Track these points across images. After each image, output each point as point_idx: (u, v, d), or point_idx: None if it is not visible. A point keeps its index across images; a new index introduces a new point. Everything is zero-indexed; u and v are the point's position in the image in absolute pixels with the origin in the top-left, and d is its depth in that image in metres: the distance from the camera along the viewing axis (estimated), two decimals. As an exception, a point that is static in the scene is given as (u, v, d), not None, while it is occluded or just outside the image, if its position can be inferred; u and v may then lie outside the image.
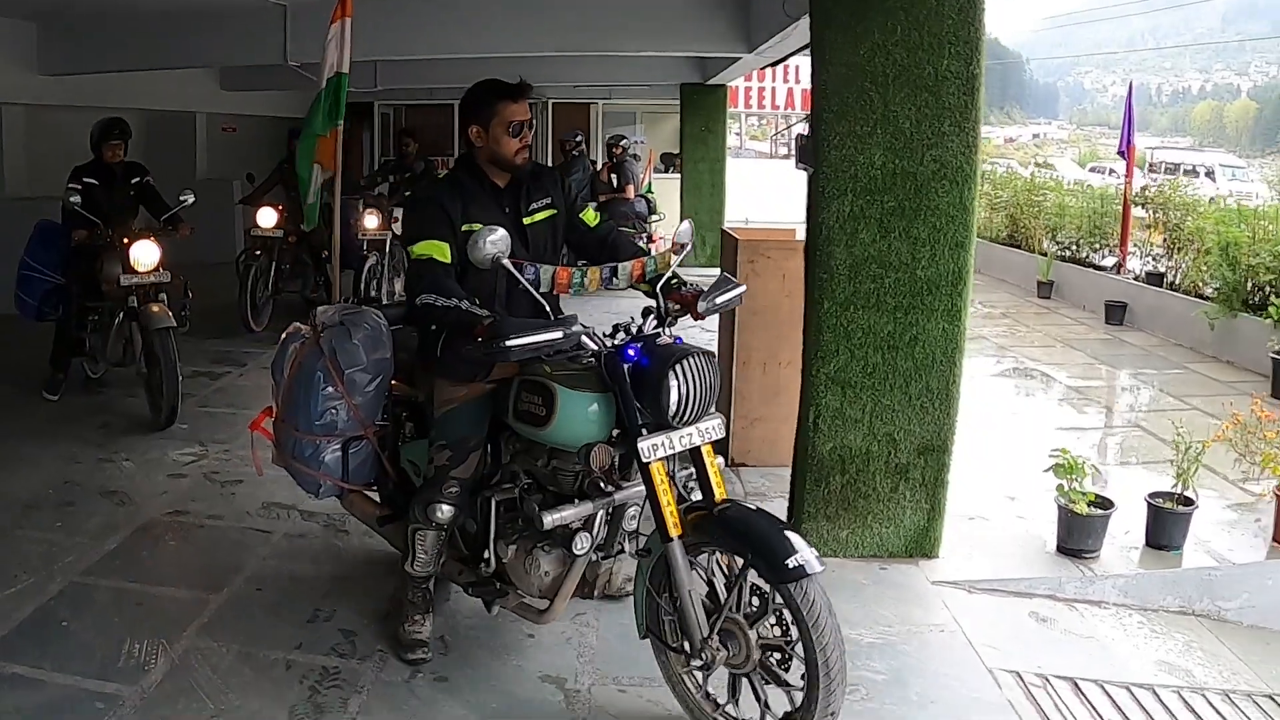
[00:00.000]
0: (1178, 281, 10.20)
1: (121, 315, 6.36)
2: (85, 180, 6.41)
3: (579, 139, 11.68)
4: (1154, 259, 10.88)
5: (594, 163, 12.56)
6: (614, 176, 11.54)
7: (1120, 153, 11.61)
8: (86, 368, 6.87)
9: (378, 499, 4.01)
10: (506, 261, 3.05)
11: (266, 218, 8.74)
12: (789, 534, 2.85)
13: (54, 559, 4.32)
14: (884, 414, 4.37)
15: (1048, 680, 3.71)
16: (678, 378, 2.93)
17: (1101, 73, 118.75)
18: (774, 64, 12.17)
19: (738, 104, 21.69)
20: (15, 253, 6.65)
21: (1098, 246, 11.93)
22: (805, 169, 4.34)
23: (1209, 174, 32.14)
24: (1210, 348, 9.06)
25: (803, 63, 22.23)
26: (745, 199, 20.44)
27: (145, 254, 6.24)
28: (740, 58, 9.75)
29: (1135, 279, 10.82)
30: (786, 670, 2.93)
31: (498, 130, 3.32)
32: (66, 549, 4.43)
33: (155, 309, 6.14)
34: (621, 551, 3.33)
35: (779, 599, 2.87)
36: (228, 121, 13.80)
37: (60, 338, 6.72)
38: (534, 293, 3.15)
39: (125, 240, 6.24)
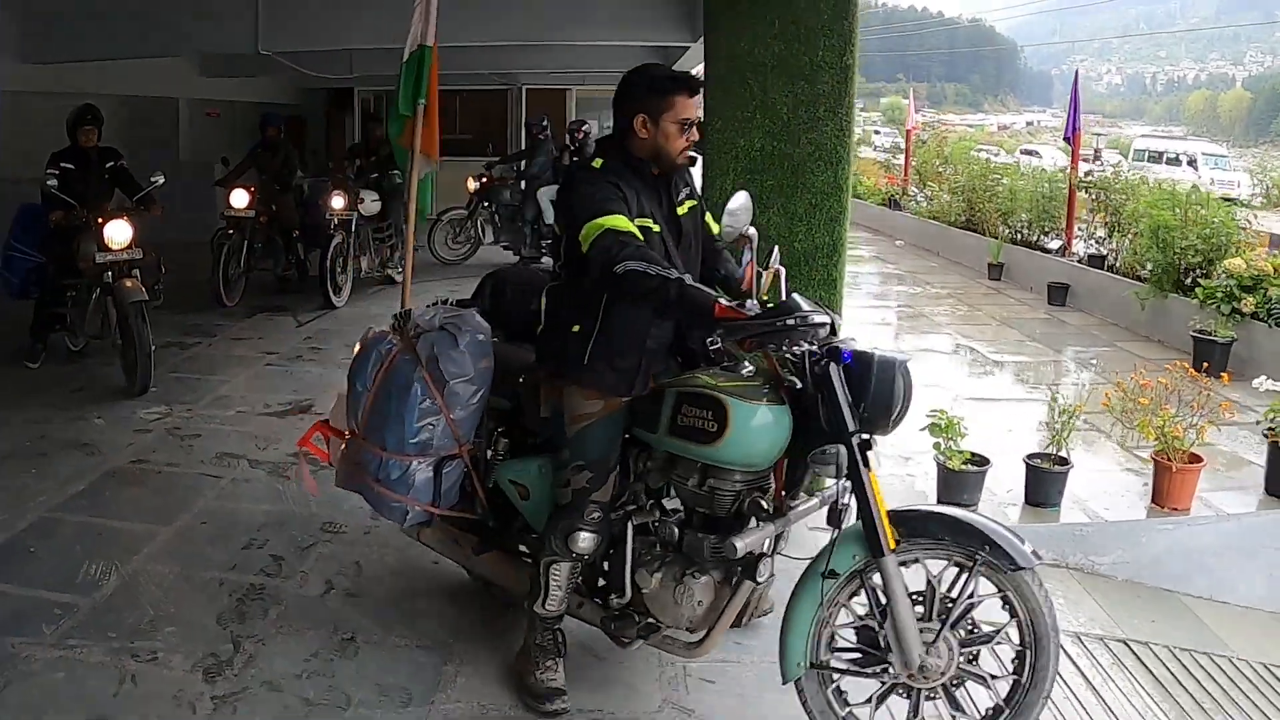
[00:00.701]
0: (1117, 264, 10.64)
1: (98, 291, 6.73)
2: (63, 165, 6.78)
3: (545, 124, 12.15)
4: (1096, 242, 11.33)
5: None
6: (574, 159, 11.99)
7: (1066, 138, 12.04)
8: (68, 341, 7.21)
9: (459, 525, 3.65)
10: (752, 230, 2.99)
11: (238, 199, 9.23)
12: (999, 522, 2.87)
13: (26, 499, 4.80)
14: (769, 372, 4.84)
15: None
16: (904, 382, 2.86)
17: (1096, 61, 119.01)
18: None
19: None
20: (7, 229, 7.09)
21: (1047, 230, 12.37)
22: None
23: (1191, 162, 32.54)
24: (1143, 327, 9.52)
25: (781, 50, 22.66)
26: None
27: (118, 233, 6.61)
28: (689, 47, 10.16)
29: (1079, 261, 11.25)
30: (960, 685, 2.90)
31: (669, 125, 3.06)
32: (38, 491, 4.91)
33: (128, 284, 6.52)
34: (772, 575, 3.12)
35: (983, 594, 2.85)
36: (211, 106, 14.23)
37: (40, 311, 7.11)
38: (754, 284, 3.04)
39: (100, 220, 6.59)
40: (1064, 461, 5.27)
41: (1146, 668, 4.30)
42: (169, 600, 3.89)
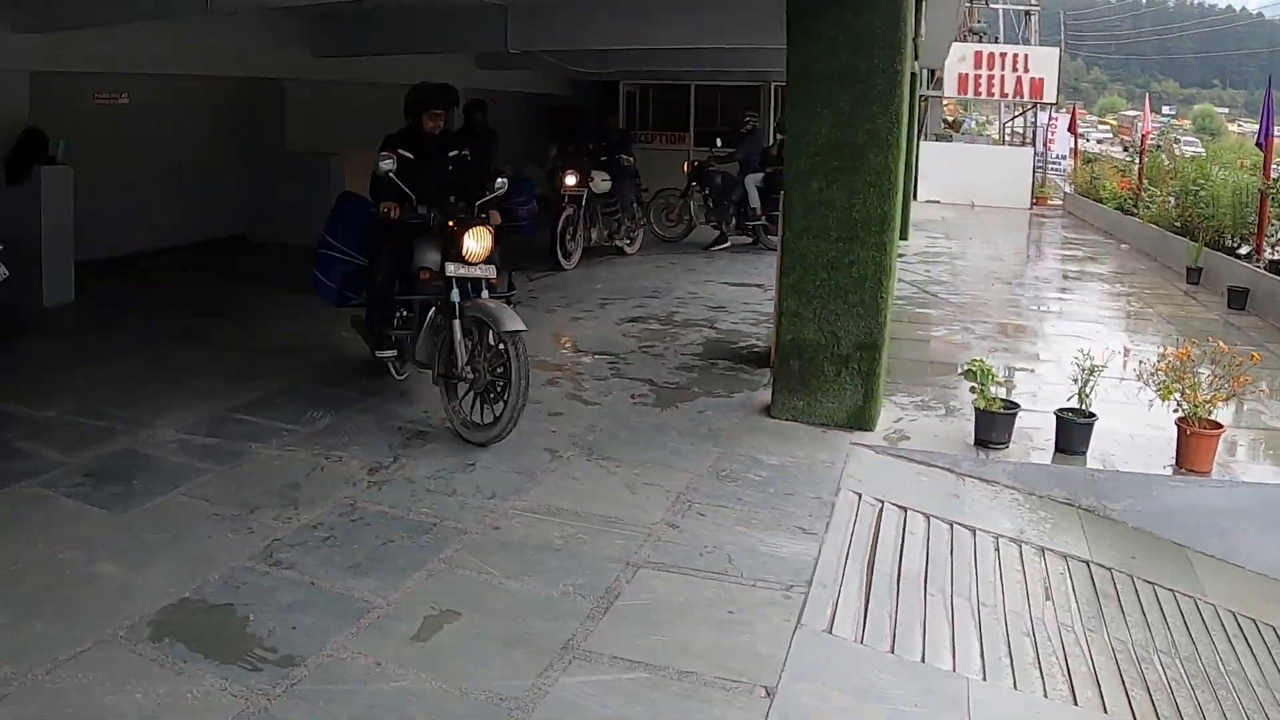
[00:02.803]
0: (1293, 269, 10.68)
1: (433, 310, 5.81)
2: (400, 151, 5.79)
3: (749, 118, 13.52)
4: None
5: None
6: (780, 150, 13.29)
7: (1258, 144, 11.99)
8: (392, 368, 6.41)
9: None
10: None
11: (570, 179, 11.19)
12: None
13: (283, 376, 6.72)
14: (829, 316, 5.99)
15: (882, 502, 5.16)
16: None
17: None
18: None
19: (967, 91, 22.51)
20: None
21: (1244, 235, 12.36)
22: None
23: None
24: (1304, 331, 9.67)
25: (1032, 52, 22.77)
26: (977, 182, 21.49)
27: (480, 243, 5.53)
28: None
29: (1264, 267, 11.27)
30: None
31: None
32: (291, 372, 6.82)
33: (500, 306, 5.50)
34: None
35: None
36: (487, 96, 16.41)
37: (371, 328, 6.27)
38: None
39: (451, 224, 5.61)
40: (1090, 415, 6.03)
41: (1094, 585, 4.95)
42: (360, 432, 5.67)
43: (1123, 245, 16.61)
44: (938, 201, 21.82)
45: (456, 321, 5.53)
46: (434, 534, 4.39)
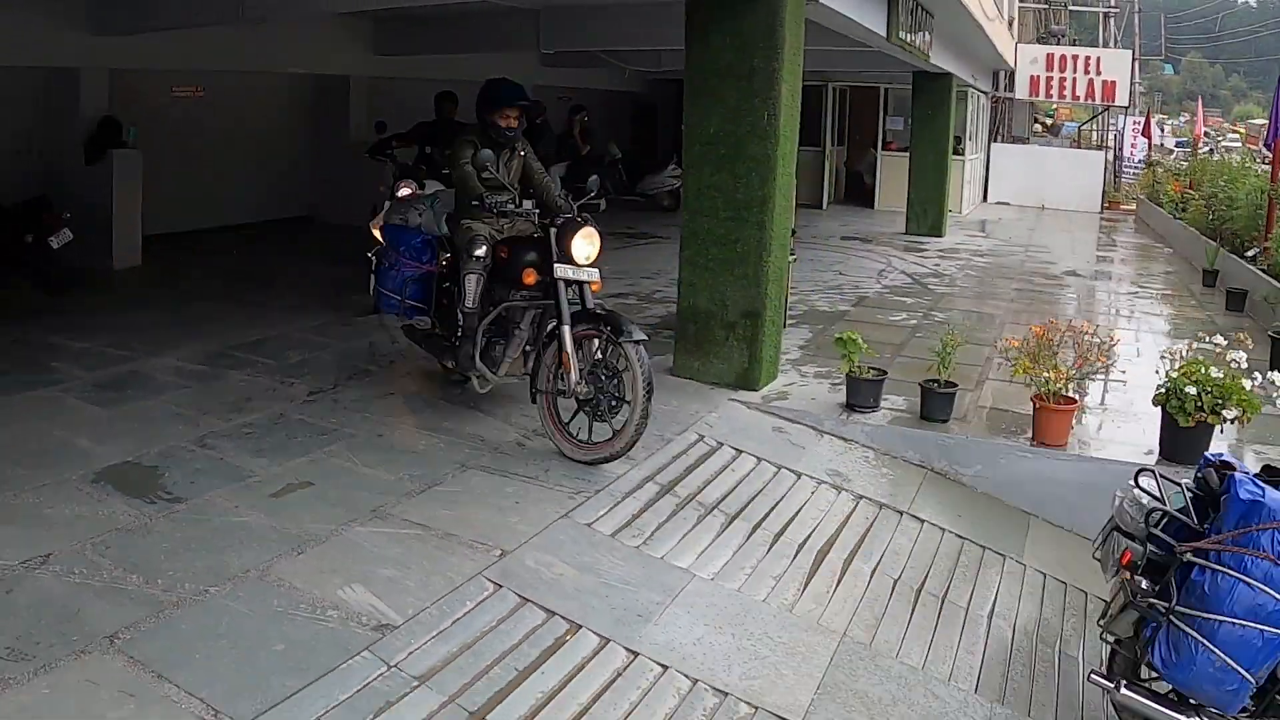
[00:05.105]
0: (1285, 271, 10.90)
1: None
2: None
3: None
4: (1280, 251, 11.55)
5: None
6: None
7: (1266, 145, 12.15)
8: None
9: None
10: None
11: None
12: None
13: (285, 322, 8.02)
14: (718, 287, 6.88)
15: (721, 444, 5.90)
16: None
17: None
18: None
19: (1038, 93, 22.65)
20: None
21: (1260, 238, 12.50)
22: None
23: None
24: (1284, 331, 9.96)
25: (1104, 55, 22.77)
26: (1047, 184, 21.70)
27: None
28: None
29: (1266, 270, 11.33)
30: None
31: None
32: (288, 325, 8.12)
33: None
34: None
35: None
36: (563, 92, 17.47)
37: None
38: None
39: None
40: (952, 385, 6.71)
41: (895, 530, 5.46)
42: (321, 367, 6.92)
43: (1167, 249, 16.78)
44: (1007, 203, 22.09)
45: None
46: (330, 436, 5.58)
